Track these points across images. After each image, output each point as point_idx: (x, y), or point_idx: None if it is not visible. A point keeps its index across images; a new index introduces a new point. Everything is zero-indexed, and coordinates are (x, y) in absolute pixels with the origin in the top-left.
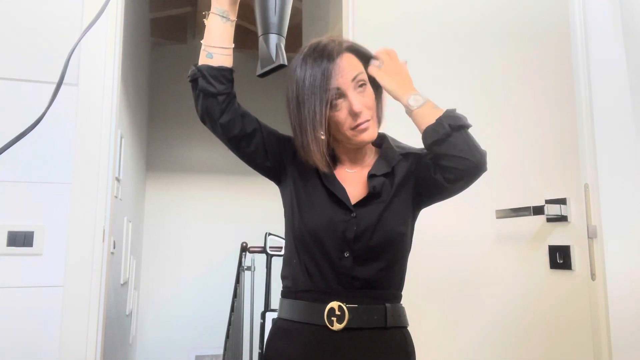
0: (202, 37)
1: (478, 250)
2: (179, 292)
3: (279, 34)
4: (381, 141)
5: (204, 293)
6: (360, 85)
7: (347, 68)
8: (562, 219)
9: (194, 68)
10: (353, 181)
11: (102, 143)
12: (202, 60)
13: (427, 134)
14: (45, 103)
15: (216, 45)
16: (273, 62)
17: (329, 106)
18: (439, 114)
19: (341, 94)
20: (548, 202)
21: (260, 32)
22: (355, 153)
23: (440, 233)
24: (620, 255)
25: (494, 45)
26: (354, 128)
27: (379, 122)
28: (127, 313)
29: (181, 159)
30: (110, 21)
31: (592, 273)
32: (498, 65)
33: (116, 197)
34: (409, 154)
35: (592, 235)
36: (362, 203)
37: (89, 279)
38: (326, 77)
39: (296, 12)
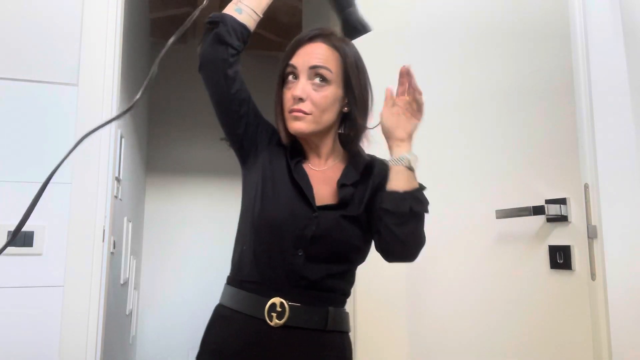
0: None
1: (478, 250)
2: (179, 292)
3: (352, 6)
4: (354, 150)
5: (204, 293)
6: (320, 79)
7: (312, 54)
8: (562, 219)
9: (217, 13)
10: (318, 180)
11: (102, 143)
12: (229, 11)
13: (389, 198)
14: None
15: (249, 5)
16: (359, 32)
17: (281, 80)
18: (412, 186)
19: (295, 75)
20: (548, 202)
21: (337, 10)
22: (318, 150)
23: (440, 233)
24: (620, 255)
25: (494, 45)
26: (290, 112)
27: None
28: (127, 313)
29: (181, 159)
30: (110, 21)
31: (592, 273)
32: (498, 66)
33: (116, 197)
34: (379, 165)
35: (592, 235)
36: (327, 207)
37: (89, 279)
38: (289, 53)
39: (296, 12)
